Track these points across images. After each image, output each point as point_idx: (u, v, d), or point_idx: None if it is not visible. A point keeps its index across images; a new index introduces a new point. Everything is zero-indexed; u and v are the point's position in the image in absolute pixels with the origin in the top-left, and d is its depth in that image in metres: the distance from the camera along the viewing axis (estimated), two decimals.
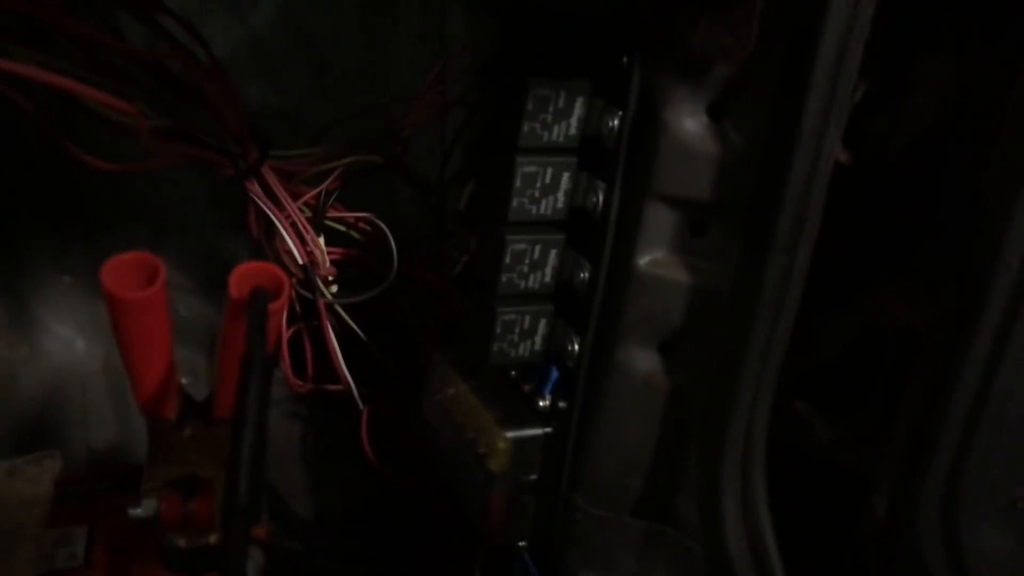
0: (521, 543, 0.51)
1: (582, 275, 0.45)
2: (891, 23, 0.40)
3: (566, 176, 0.45)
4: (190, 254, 0.70)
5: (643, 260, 0.43)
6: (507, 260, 0.46)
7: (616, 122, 0.42)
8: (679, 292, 0.43)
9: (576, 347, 0.46)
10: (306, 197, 0.57)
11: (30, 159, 0.64)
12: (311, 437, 0.73)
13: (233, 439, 0.24)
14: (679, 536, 0.47)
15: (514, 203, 0.45)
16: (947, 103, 0.42)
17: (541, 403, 0.49)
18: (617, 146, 0.42)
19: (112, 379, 0.69)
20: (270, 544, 0.26)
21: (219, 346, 0.31)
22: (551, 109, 0.43)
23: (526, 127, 0.43)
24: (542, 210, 0.45)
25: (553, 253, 0.46)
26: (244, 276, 0.29)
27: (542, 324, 0.48)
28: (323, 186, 0.57)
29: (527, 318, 0.47)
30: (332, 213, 0.58)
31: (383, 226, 0.58)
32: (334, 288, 0.60)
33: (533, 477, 0.49)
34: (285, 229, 0.55)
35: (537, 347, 0.48)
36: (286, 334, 0.61)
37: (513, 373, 0.51)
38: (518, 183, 0.44)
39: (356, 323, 0.62)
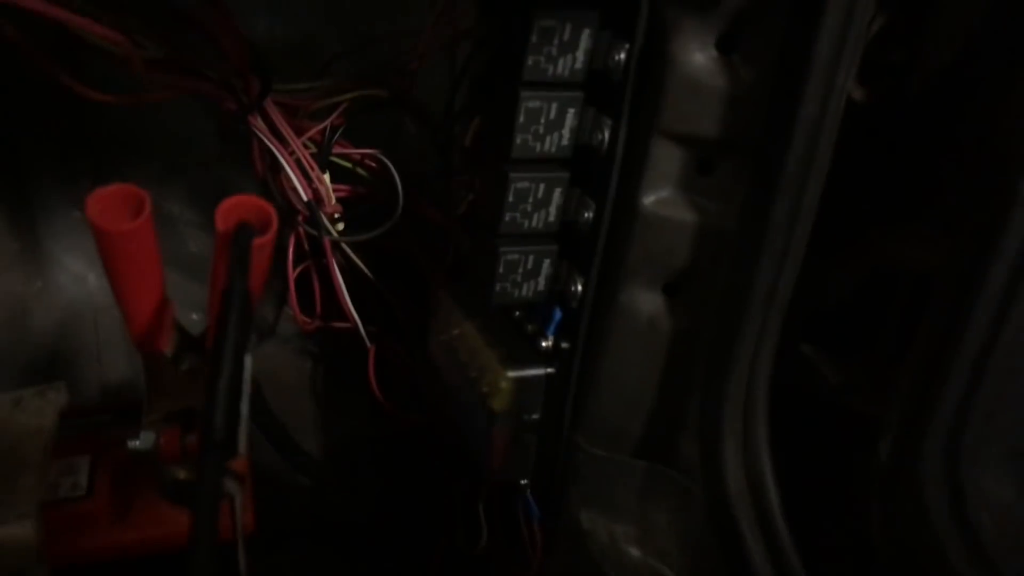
0: (523, 481, 0.51)
1: (587, 215, 0.45)
2: None
3: (571, 112, 0.44)
4: (200, 189, 0.70)
5: (649, 199, 0.42)
6: (510, 199, 0.45)
7: (623, 55, 0.41)
8: (685, 232, 0.42)
9: (579, 288, 0.46)
10: (311, 132, 0.56)
11: (37, 93, 0.63)
12: (320, 373, 0.74)
13: (210, 373, 0.24)
14: (680, 477, 0.47)
15: (518, 139, 0.44)
16: (972, 35, 0.40)
17: (544, 343, 0.48)
18: (624, 80, 0.41)
19: None
20: (247, 476, 0.27)
21: (210, 280, 0.31)
22: (556, 42, 0.42)
23: (530, 60, 0.42)
24: (546, 147, 0.44)
25: (557, 192, 0.45)
26: (232, 209, 0.29)
27: (546, 264, 0.47)
28: (327, 121, 0.56)
29: (530, 258, 0.47)
30: (338, 149, 0.58)
31: (388, 163, 0.57)
32: (340, 226, 0.59)
33: (535, 417, 0.49)
34: (289, 165, 0.54)
35: (541, 287, 0.48)
36: (292, 272, 0.61)
37: (517, 313, 0.51)
38: (522, 118, 0.43)
39: (363, 261, 0.61)
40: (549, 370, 0.48)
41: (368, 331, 0.62)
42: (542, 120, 0.43)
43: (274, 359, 0.73)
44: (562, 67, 0.43)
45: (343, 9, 0.66)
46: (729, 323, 0.41)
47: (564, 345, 0.48)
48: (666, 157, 0.41)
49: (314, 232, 0.58)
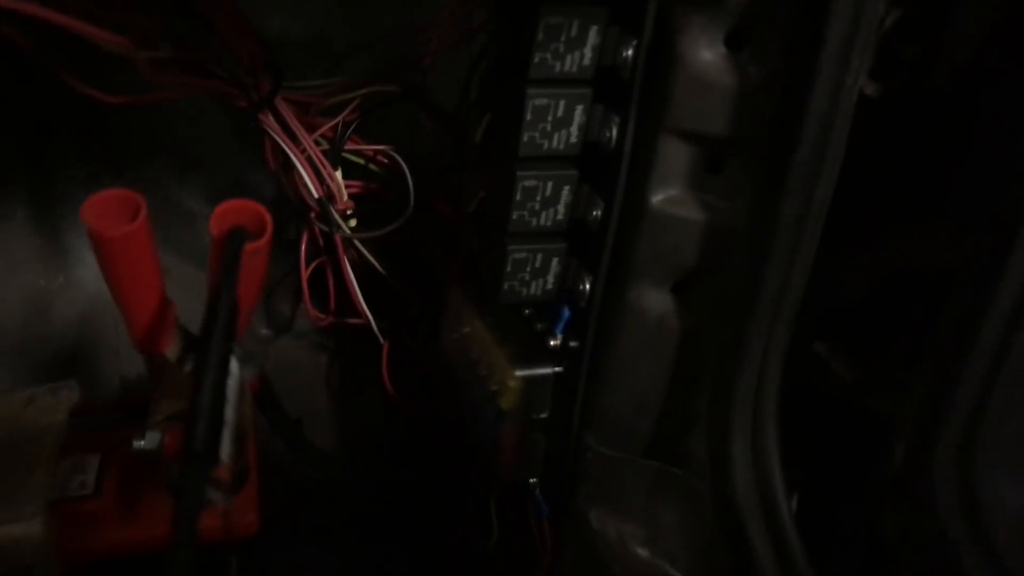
0: (533, 480, 0.51)
1: (595, 213, 0.44)
2: None
3: (580, 109, 0.43)
4: (216, 186, 0.70)
5: (657, 197, 0.42)
6: (518, 197, 0.44)
7: (631, 52, 0.40)
8: (693, 231, 0.42)
9: (588, 286, 0.45)
10: (323, 129, 0.56)
11: (57, 91, 0.64)
12: (335, 369, 0.74)
13: (194, 382, 0.24)
14: (689, 477, 0.46)
15: (525, 137, 0.43)
16: (994, 29, 0.39)
17: (552, 342, 0.48)
18: (632, 77, 0.41)
19: None
20: (229, 484, 0.27)
21: (208, 282, 0.31)
22: (563, 38, 0.41)
23: (537, 57, 0.41)
24: (555, 144, 0.44)
25: (566, 189, 0.45)
26: (227, 214, 0.29)
27: (555, 262, 0.47)
28: (340, 118, 0.56)
29: (539, 256, 0.46)
30: (350, 146, 0.58)
31: (400, 160, 0.57)
32: (353, 222, 0.59)
33: (544, 415, 0.49)
34: (300, 163, 0.54)
35: (550, 286, 0.48)
36: (306, 271, 0.61)
37: (527, 311, 0.51)
38: (529, 116, 0.43)
39: (377, 257, 0.62)
40: (557, 369, 0.48)
41: (381, 327, 0.62)
42: (550, 117, 0.43)
43: (289, 354, 0.73)
44: (570, 64, 0.42)
45: (356, 5, 0.66)
46: (738, 323, 0.41)
47: (573, 344, 0.47)
48: (675, 155, 0.41)
49: (326, 229, 0.58)
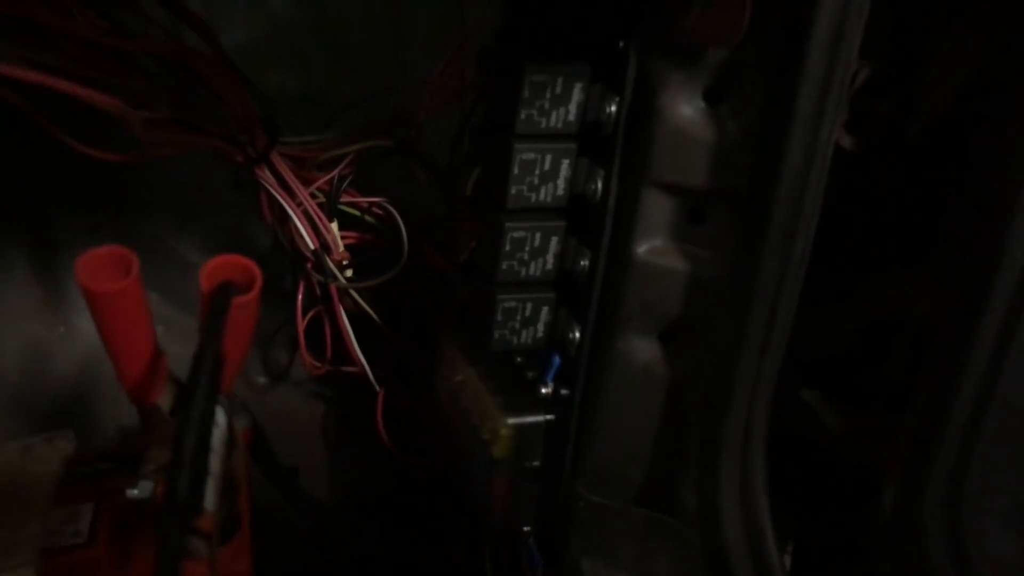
0: (525, 529, 0.51)
1: (582, 263, 0.45)
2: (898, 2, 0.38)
3: (566, 163, 0.44)
4: (214, 238, 0.71)
5: (641, 248, 0.43)
6: (506, 247, 0.45)
7: (614, 108, 0.41)
8: (678, 281, 0.43)
9: (577, 335, 0.46)
10: (319, 182, 0.57)
11: (59, 146, 0.66)
12: (332, 417, 0.74)
13: (177, 434, 0.25)
14: (680, 526, 0.46)
15: (512, 190, 0.44)
16: (965, 85, 0.40)
17: (543, 390, 0.49)
18: (615, 132, 0.42)
19: None
20: (213, 534, 0.27)
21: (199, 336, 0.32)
22: (548, 95, 0.43)
23: (523, 113, 0.43)
24: (542, 197, 0.45)
25: (554, 240, 0.46)
26: (217, 269, 0.30)
27: (544, 311, 0.48)
28: (335, 171, 0.57)
29: (528, 305, 0.47)
30: (346, 198, 0.59)
31: (394, 211, 0.58)
32: (348, 272, 0.60)
33: (536, 464, 0.49)
34: (296, 215, 0.55)
35: (539, 335, 0.48)
36: (302, 321, 0.62)
37: (519, 359, 0.51)
38: (516, 170, 0.44)
39: (372, 306, 0.62)
40: (549, 417, 0.48)
41: (376, 375, 0.63)
42: (536, 171, 0.44)
43: (286, 402, 0.74)
44: (555, 119, 0.43)
45: (351, 63, 0.67)
46: (723, 372, 0.41)
47: (564, 392, 0.48)
48: (657, 207, 0.42)
49: (322, 279, 0.59)
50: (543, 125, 0.43)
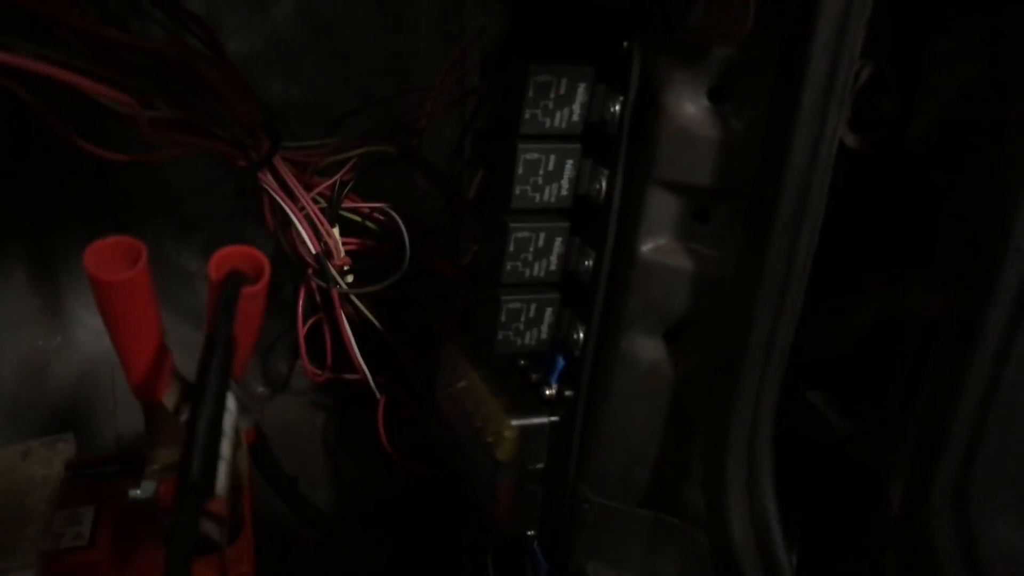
0: (530, 532, 0.51)
1: (587, 263, 0.45)
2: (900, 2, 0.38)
3: (570, 163, 0.45)
4: (215, 246, 0.70)
5: (646, 247, 0.43)
6: (511, 248, 0.45)
7: (618, 108, 0.42)
8: (683, 280, 0.43)
9: (581, 336, 0.46)
10: (321, 188, 0.57)
11: (59, 151, 0.66)
12: (333, 425, 0.74)
13: (190, 416, 0.25)
14: (686, 527, 0.46)
15: (516, 190, 0.44)
16: (968, 85, 0.40)
17: (548, 392, 0.48)
18: (619, 132, 0.42)
19: None
20: (225, 519, 0.27)
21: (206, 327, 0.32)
22: (552, 95, 0.43)
23: (527, 114, 0.43)
24: (546, 197, 0.45)
25: (558, 241, 0.46)
26: (225, 259, 0.30)
27: (548, 313, 0.48)
28: (337, 177, 0.57)
29: (532, 306, 0.47)
30: (347, 204, 0.59)
31: (396, 217, 0.58)
32: (350, 278, 0.60)
33: (540, 466, 0.49)
34: (298, 220, 0.55)
35: (544, 336, 0.48)
36: (303, 327, 0.61)
37: (522, 362, 0.51)
38: (520, 170, 0.44)
39: (374, 312, 0.62)
40: (553, 418, 0.48)
41: (378, 382, 0.63)
42: (541, 171, 0.44)
43: (286, 412, 0.73)
44: (559, 120, 0.44)
45: (353, 70, 0.68)
46: (728, 371, 0.41)
47: (568, 393, 0.48)
48: (662, 206, 0.42)
49: (324, 284, 0.59)
50: (547, 125, 0.44)
